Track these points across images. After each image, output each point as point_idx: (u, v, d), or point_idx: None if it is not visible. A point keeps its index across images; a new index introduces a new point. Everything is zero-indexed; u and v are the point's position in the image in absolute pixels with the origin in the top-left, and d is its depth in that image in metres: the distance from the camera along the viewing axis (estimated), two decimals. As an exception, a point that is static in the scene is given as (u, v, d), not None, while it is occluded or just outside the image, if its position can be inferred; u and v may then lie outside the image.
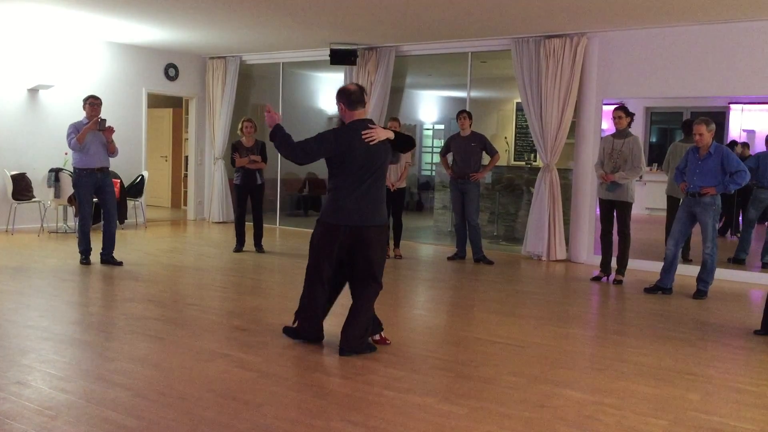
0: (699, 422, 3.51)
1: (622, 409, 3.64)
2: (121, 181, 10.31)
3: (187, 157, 13.09)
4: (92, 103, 7.37)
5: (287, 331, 4.83)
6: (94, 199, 7.63)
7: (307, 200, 13.36)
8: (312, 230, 4.60)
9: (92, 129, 7.25)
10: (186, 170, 13.25)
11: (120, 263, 7.47)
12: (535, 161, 11.26)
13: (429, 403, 3.65)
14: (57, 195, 9.67)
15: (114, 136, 7.45)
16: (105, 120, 7.36)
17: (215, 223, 11.73)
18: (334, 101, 4.58)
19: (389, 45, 10.00)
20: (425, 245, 10.08)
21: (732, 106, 9.25)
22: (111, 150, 7.46)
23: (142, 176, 10.88)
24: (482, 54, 9.73)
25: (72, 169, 7.60)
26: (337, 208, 4.39)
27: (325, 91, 13.68)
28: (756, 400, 3.89)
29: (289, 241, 10.03)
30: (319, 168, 13.48)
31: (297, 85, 13.07)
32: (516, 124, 13.29)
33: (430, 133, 15.89)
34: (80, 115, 7.57)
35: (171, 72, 11.64)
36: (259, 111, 12.91)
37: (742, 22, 7.55)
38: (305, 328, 4.66)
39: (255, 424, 3.30)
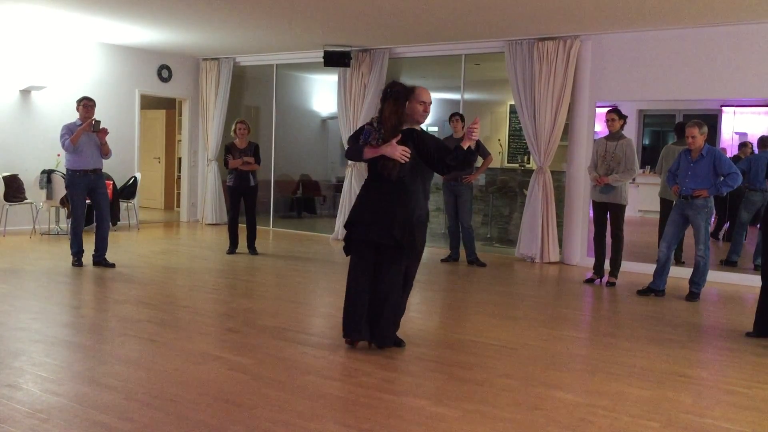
0: (691, 424, 3.52)
1: (615, 411, 3.65)
2: (114, 183, 10.28)
3: (180, 159, 13.07)
4: (86, 105, 7.35)
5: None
6: (87, 201, 7.61)
7: (301, 202, 13.35)
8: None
9: (86, 130, 7.23)
10: (179, 172, 13.23)
11: (112, 265, 7.44)
12: (529, 163, 11.27)
13: (422, 406, 3.64)
14: (49, 196, 9.63)
15: (107, 138, 7.43)
16: (99, 121, 7.34)
17: (208, 225, 11.70)
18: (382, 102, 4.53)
19: (383, 47, 10.00)
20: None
21: (724, 108, 9.28)
22: (105, 151, 7.44)
23: (135, 178, 10.85)
24: (476, 56, 9.74)
25: (64, 171, 7.57)
26: None
27: (318, 92, 13.67)
28: (748, 402, 3.90)
29: (283, 243, 10.01)
30: (313, 170, 13.52)
31: (291, 86, 13.05)
32: (509, 127, 13.30)
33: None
34: (73, 116, 7.54)
35: (164, 73, 11.61)
36: (252, 113, 12.90)
37: (735, 25, 7.59)
38: None
39: (248, 427, 3.29)
